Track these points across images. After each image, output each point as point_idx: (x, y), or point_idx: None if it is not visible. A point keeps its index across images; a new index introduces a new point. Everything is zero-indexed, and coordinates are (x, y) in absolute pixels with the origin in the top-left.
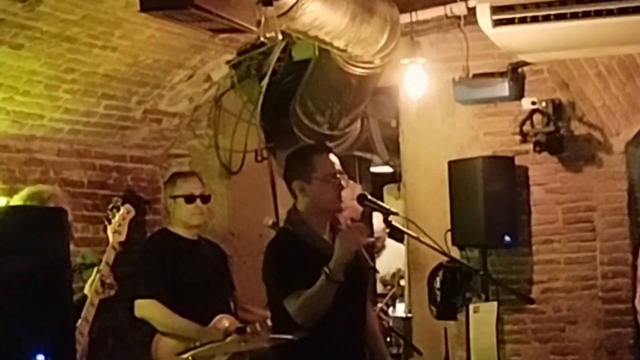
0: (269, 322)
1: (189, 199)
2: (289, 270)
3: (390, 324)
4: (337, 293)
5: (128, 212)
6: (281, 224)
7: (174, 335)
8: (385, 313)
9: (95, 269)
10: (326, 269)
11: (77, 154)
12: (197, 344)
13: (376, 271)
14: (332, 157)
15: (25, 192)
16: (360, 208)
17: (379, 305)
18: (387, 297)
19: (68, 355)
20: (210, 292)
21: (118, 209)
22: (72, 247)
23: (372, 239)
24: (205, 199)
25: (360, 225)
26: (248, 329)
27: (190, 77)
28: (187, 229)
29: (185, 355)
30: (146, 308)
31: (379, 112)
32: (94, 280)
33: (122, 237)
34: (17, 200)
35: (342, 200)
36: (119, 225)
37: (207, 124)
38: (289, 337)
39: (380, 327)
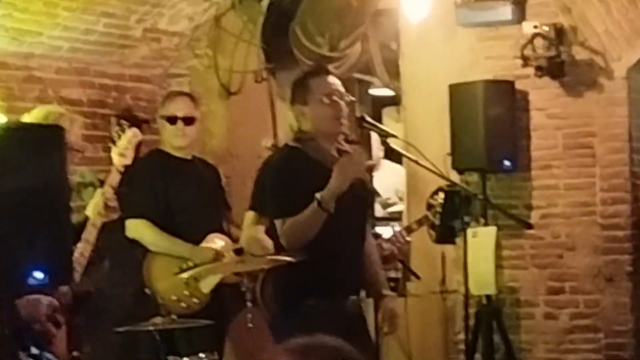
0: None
1: (171, 120)
2: (292, 191)
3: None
4: (337, 215)
5: (134, 136)
6: (280, 145)
7: (166, 255)
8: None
9: (98, 191)
10: (318, 197)
11: (76, 72)
12: (190, 263)
13: (378, 195)
14: (330, 79)
15: (40, 112)
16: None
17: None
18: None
19: (65, 273)
20: (203, 212)
21: (124, 132)
22: (72, 166)
23: (372, 162)
24: (188, 121)
25: (361, 151)
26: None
27: None
28: (175, 150)
29: (183, 275)
30: (136, 228)
31: (379, 34)
32: (96, 202)
33: (128, 161)
34: (31, 118)
35: (342, 123)
36: (125, 148)
37: (207, 44)
38: (287, 258)
39: (399, 252)
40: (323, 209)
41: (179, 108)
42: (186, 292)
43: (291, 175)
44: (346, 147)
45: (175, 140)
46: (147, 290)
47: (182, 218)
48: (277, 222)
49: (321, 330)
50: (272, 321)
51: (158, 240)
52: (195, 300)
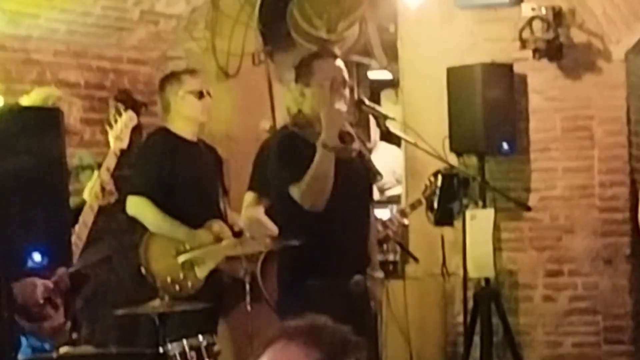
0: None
1: (200, 94)
2: (295, 164)
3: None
4: (339, 194)
5: (131, 119)
6: (278, 128)
7: (164, 236)
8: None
9: (96, 174)
10: (320, 141)
11: (73, 54)
12: (188, 247)
13: (380, 175)
14: (336, 63)
15: (39, 94)
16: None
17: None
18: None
19: (64, 255)
20: (204, 195)
21: (120, 115)
22: (70, 149)
23: (370, 145)
24: (210, 95)
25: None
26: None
27: None
28: (190, 128)
29: (182, 257)
30: (137, 205)
31: (377, 17)
32: (93, 185)
33: (124, 144)
34: (29, 101)
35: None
36: (121, 131)
37: (205, 26)
38: (288, 242)
39: (394, 235)
40: (328, 147)
41: (203, 83)
42: (181, 275)
43: (289, 155)
44: (349, 128)
45: (202, 115)
46: (142, 270)
47: (183, 200)
48: (292, 189)
49: (322, 310)
50: (274, 302)
51: (157, 220)
52: (189, 283)
